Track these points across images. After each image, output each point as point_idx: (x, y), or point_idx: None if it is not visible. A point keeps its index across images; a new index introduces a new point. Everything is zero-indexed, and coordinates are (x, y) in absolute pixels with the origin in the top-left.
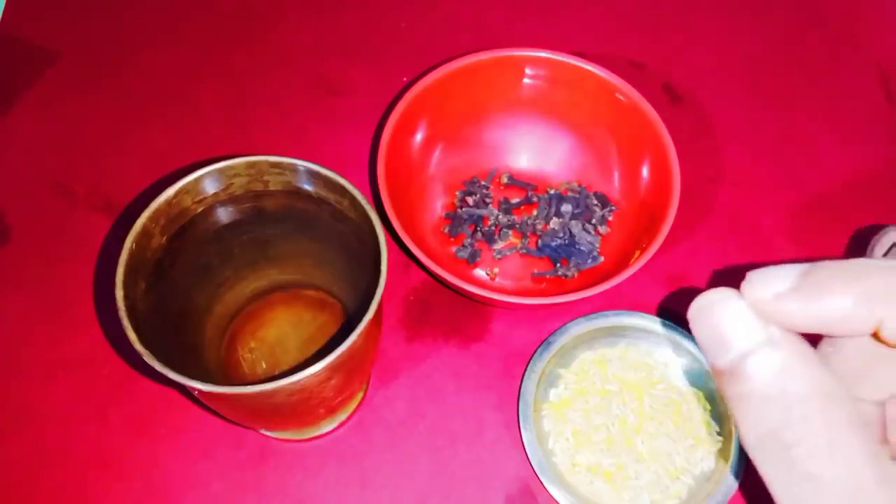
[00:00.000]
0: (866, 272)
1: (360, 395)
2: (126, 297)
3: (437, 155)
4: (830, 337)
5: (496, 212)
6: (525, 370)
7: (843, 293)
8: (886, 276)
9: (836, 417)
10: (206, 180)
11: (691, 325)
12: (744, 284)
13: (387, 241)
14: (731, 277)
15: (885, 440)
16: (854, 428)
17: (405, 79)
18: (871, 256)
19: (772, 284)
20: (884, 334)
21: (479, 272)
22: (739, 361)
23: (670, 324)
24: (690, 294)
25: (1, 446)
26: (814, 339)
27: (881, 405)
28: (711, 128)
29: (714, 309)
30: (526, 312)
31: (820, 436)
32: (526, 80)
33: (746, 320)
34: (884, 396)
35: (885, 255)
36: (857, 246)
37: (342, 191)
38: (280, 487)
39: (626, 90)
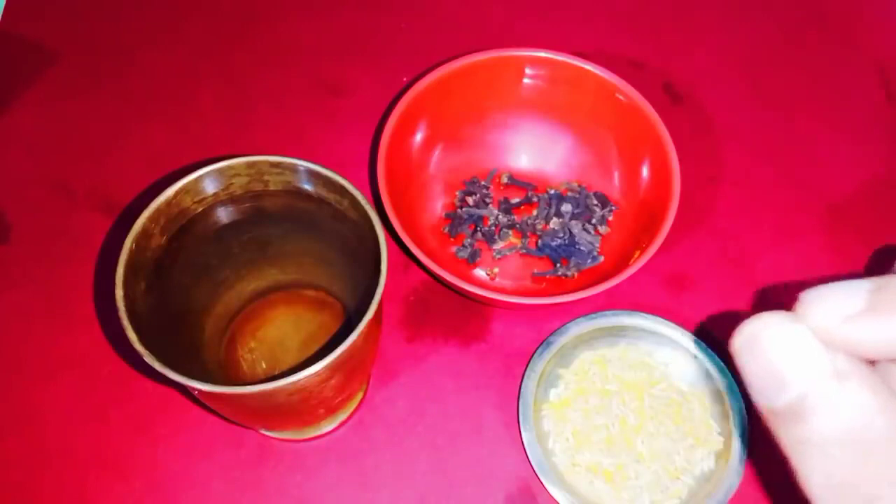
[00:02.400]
0: None
1: (360, 395)
2: (126, 296)
3: (437, 155)
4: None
5: (496, 212)
6: (525, 370)
7: None
8: None
9: None
10: (206, 180)
11: (737, 359)
12: (799, 306)
13: (387, 241)
14: (730, 279)
15: None
16: None
17: (405, 79)
18: None
19: (839, 306)
20: None
21: (479, 272)
22: (801, 400)
23: (670, 324)
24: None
25: (1, 446)
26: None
27: None
28: (711, 128)
29: (765, 338)
30: (526, 312)
31: None
32: (526, 80)
33: (807, 350)
34: None
35: None
36: (857, 245)
37: (342, 191)
38: (280, 487)
39: (626, 90)
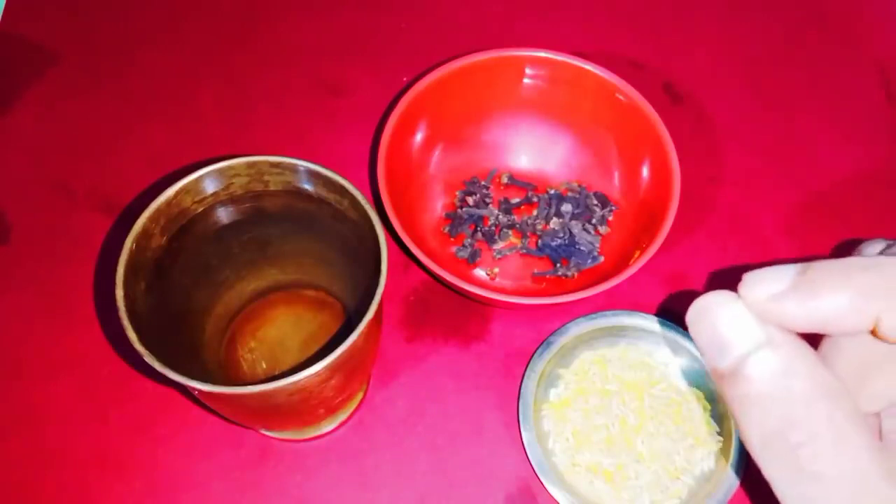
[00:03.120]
0: (861, 268)
1: (360, 395)
2: (126, 296)
3: (437, 155)
4: (830, 336)
5: (496, 212)
6: (525, 370)
7: (839, 290)
8: (881, 272)
9: (839, 415)
10: (206, 180)
11: (690, 330)
12: (740, 286)
13: (387, 241)
14: (730, 278)
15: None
16: (858, 425)
17: (405, 79)
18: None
19: (768, 285)
20: (881, 331)
21: (479, 272)
22: (740, 363)
23: (670, 324)
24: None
25: (1, 446)
26: (814, 341)
27: (877, 416)
28: (711, 128)
29: (711, 312)
30: (526, 312)
31: (825, 434)
32: (526, 80)
33: (745, 322)
34: (882, 405)
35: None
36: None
37: (342, 191)
38: (280, 487)
39: (626, 90)
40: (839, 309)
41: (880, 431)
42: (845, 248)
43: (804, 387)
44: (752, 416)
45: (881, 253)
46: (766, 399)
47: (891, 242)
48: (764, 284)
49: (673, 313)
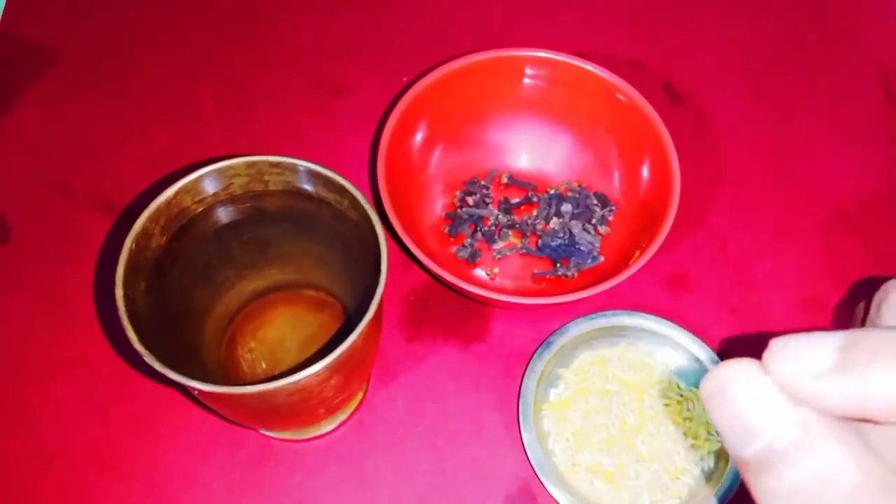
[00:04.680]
0: None
1: (360, 395)
2: (126, 296)
3: (437, 155)
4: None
5: (496, 212)
6: (525, 370)
7: None
8: None
9: None
10: (206, 180)
11: (706, 407)
12: (766, 356)
13: (387, 241)
14: (733, 279)
15: None
16: None
17: (405, 79)
18: (878, 316)
19: (804, 362)
20: None
21: (479, 272)
22: (769, 452)
23: (670, 324)
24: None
25: (1, 446)
26: None
27: None
28: (711, 128)
29: (733, 389)
30: (526, 312)
31: None
32: (526, 80)
33: (774, 403)
34: None
35: None
36: (856, 245)
37: (342, 191)
38: (280, 487)
39: (626, 90)
40: None
41: None
42: (864, 286)
43: (849, 480)
44: None
45: None
46: (802, 496)
47: None
48: (801, 360)
49: (673, 313)
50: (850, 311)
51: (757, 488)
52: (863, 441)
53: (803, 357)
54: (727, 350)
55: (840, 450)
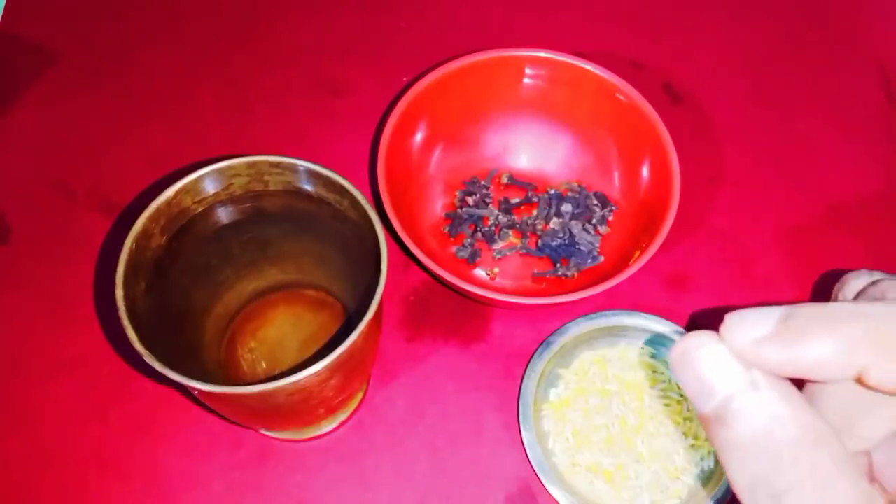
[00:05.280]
0: (847, 317)
1: (360, 395)
2: (126, 296)
3: (437, 155)
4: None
5: (496, 212)
6: (525, 370)
7: (823, 340)
8: (867, 322)
9: (826, 460)
10: (206, 180)
11: (674, 373)
12: (722, 327)
13: (387, 241)
14: (728, 282)
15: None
16: (845, 470)
17: (405, 79)
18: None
19: (750, 329)
20: (867, 382)
21: (479, 272)
22: (724, 407)
23: (670, 324)
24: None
25: (1, 446)
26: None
27: (867, 453)
28: (711, 128)
29: (694, 355)
30: (526, 312)
31: (809, 482)
32: (526, 80)
33: (727, 365)
34: (872, 443)
35: (856, 298)
36: (856, 245)
37: (342, 191)
38: (280, 487)
39: (626, 90)
40: (823, 358)
41: (871, 467)
42: (830, 279)
43: (789, 432)
44: (737, 462)
45: (865, 288)
46: (750, 444)
47: (875, 277)
48: (746, 328)
49: (673, 313)
50: None
51: (716, 441)
52: (803, 399)
53: (750, 326)
54: None
55: (782, 405)
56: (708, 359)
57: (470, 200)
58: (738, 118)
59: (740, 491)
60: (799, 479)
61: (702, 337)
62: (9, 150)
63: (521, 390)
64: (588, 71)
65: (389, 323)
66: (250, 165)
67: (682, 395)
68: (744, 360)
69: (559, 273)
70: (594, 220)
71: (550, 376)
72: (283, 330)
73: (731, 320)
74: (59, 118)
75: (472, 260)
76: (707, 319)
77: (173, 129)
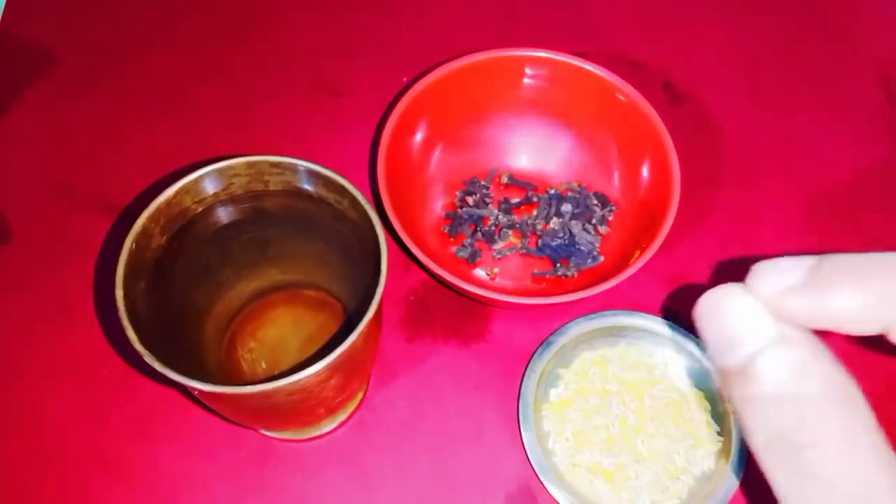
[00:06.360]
0: (878, 269)
1: (360, 395)
2: (126, 297)
3: (437, 155)
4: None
5: (496, 212)
6: (525, 370)
7: (853, 292)
8: None
9: (851, 419)
10: (206, 180)
11: (697, 324)
12: (749, 277)
13: (387, 241)
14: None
15: None
16: (869, 431)
17: (405, 79)
18: None
19: (779, 277)
20: (893, 338)
21: (479, 272)
22: (749, 361)
23: (671, 324)
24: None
25: (1, 446)
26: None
27: None
28: (711, 128)
29: (721, 306)
30: (526, 312)
31: (834, 438)
32: (526, 80)
33: (756, 317)
34: None
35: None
36: (857, 245)
37: (342, 191)
38: (280, 487)
39: (626, 90)
40: (852, 310)
41: None
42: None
43: (816, 387)
44: (759, 416)
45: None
46: (775, 399)
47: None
48: (775, 277)
49: (673, 313)
50: None
51: (737, 395)
52: (830, 354)
53: (778, 275)
54: None
55: (810, 360)
56: (735, 310)
57: (470, 200)
58: (738, 118)
59: (758, 446)
60: (823, 434)
61: (730, 288)
62: (9, 150)
63: (521, 390)
64: (588, 71)
65: (389, 323)
66: (250, 165)
67: (682, 396)
68: (772, 312)
69: (559, 273)
70: (594, 220)
71: (550, 376)
72: (283, 330)
73: (759, 269)
74: (59, 118)
75: (472, 260)
76: None
77: (173, 129)
